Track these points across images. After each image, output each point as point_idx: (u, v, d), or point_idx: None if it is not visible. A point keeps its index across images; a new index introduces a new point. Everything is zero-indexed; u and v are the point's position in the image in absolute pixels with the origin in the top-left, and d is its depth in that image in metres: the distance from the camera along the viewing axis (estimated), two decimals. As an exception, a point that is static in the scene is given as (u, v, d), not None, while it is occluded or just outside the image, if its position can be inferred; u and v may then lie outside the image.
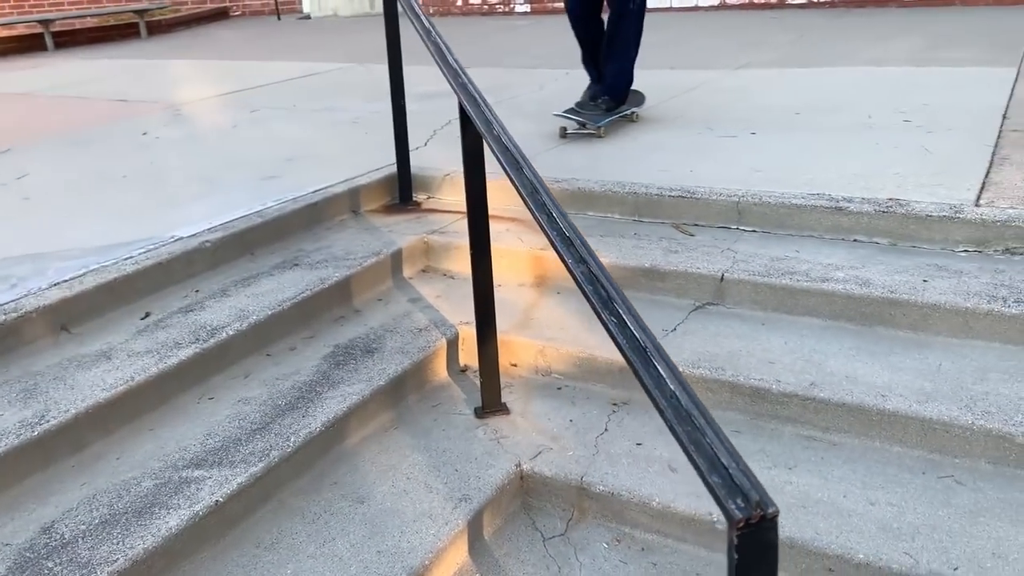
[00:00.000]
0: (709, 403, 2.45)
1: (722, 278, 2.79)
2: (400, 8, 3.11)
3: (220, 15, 13.51)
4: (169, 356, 2.43)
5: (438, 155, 4.02)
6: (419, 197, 3.74)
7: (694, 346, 2.59)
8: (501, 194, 3.45)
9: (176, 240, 3.02)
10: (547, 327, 2.79)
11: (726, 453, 1.14)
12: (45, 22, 10.13)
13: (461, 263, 3.24)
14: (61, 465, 2.16)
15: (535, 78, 6.08)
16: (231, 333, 2.57)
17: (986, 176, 3.20)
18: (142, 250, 2.93)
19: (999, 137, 3.75)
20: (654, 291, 2.90)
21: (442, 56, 2.44)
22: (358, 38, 9.49)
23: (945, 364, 2.40)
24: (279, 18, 12.74)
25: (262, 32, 11.02)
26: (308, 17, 12.53)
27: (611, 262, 2.95)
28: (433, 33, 2.61)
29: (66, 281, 2.68)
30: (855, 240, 2.96)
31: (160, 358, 2.42)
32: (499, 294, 2.87)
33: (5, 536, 1.92)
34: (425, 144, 4.23)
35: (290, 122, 5.13)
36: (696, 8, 10.08)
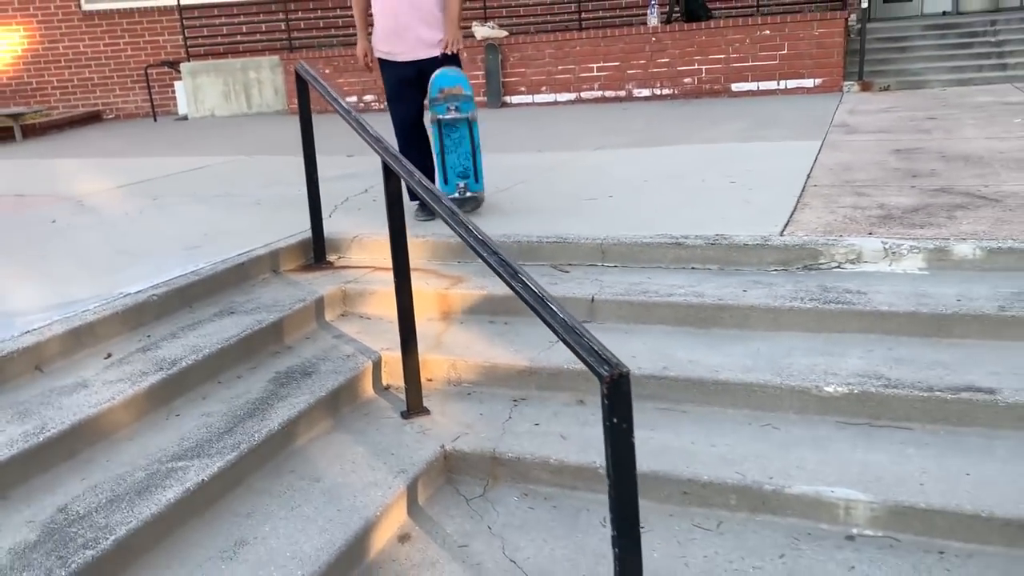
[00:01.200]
0: (588, 388, 3.10)
1: (592, 299, 3.47)
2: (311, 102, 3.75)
3: (93, 118, 13.75)
4: (139, 381, 2.88)
5: (343, 223, 4.60)
6: (331, 258, 4.30)
7: (574, 351, 3.23)
8: (411, 251, 4.07)
9: (125, 295, 3.47)
10: (455, 347, 3.39)
11: (596, 342, 1.77)
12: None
13: (374, 306, 3.81)
14: (59, 468, 2.56)
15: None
16: (189, 363, 3.04)
17: (790, 217, 4.06)
18: (96, 304, 3.36)
19: (803, 191, 4.68)
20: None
21: (363, 128, 3.08)
22: (239, 133, 10.02)
23: (762, 348, 3.14)
24: (155, 119, 13.11)
25: (140, 132, 11.37)
26: (185, 118, 12.95)
27: (501, 292, 3.59)
28: (353, 112, 3.25)
29: (36, 329, 3.09)
30: (692, 267, 3.73)
31: (132, 383, 2.87)
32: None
33: (28, 516, 2.32)
34: (330, 216, 4.81)
35: (195, 206, 5.60)
36: (556, 103, 11.17)
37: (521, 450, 2.78)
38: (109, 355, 3.15)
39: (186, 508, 2.43)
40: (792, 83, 10.42)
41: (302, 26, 13.02)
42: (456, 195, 4.48)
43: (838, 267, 3.55)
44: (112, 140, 10.67)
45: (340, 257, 4.31)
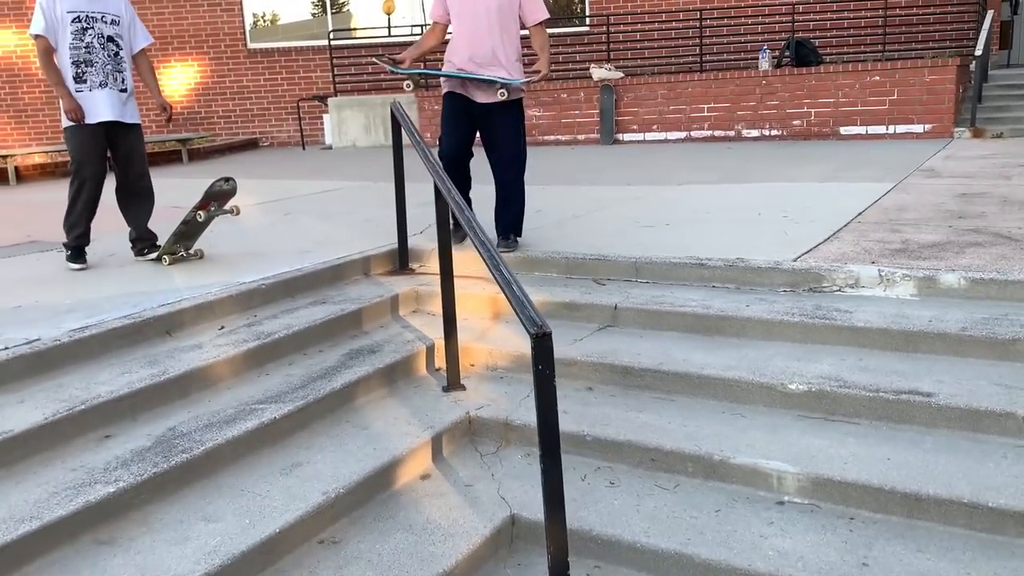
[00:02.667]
0: (597, 379, 3.69)
1: (615, 307, 4.07)
2: (405, 137, 4.53)
3: (250, 145, 15.34)
4: (240, 346, 3.70)
5: (427, 241, 5.37)
6: (413, 265, 5.07)
7: (592, 347, 3.84)
8: (469, 264, 4.79)
9: (241, 284, 4.34)
10: (496, 339, 4.05)
11: (530, 310, 2.40)
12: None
13: (440, 306, 4.53)
14: (175, 403, 3.39)
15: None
16: (281, 336, 3.85)
17: (814, 247, 4.52)
18: (218, 288, 4.24)
19: (844, 226, 5.09)
20: (573, 318, 4.18)
21: (429, 162, 3.82)
22: (372, 163, 11.10)
23: (751, 353, 3.64)
24: (304, 148, 14.51)
25: (288, 159, 12.69)
26: (330, 147, 14.27)
27: (544, 299, 4.24)
28: (428, 150, 4.00)
29: (169, 303, 3.98)
30: (713, 286, 4.26)
31: (235, 347, 3.69)
32: (467, 323, 4.17)
33: (148, 431, 3.15)
34: (421, 232, 5.59)
35: (317, 221, 6.53)
36: (665, 141, 11.72)
37: (527, 419, 3.41)
38: (223, 327, 4.00)
39: (263, 437, 3.20)
40: (901, 128, 10.58)
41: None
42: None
43: (838, 290, 4.00)
44: (263, 165, 12.01)
45: (421, 265, 5.07)
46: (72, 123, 4.94)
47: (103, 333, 3.64)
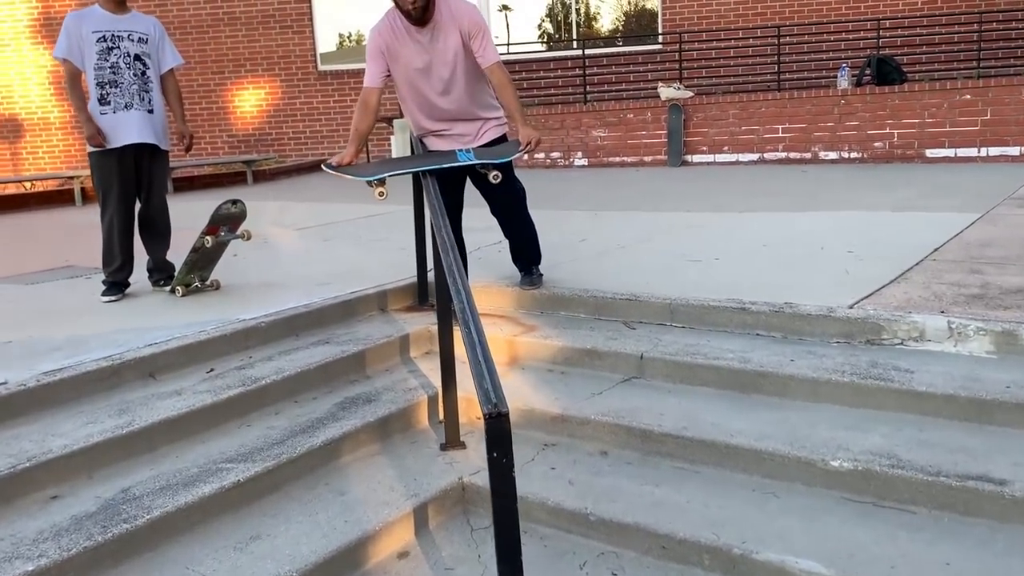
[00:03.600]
0: (613, 442, 3.24)
1: (641, 356, 3.60)
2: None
3: (319, 167, 15.32)
4: (221, 393, 3.38)
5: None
6: (433, 300, 4.69)
7: (610, 403, 3.39)
8: (492, 298, 4.38)
9: (239, 320, 4.03)
10: (505, 391, 3.62)
11: (490, 381, 1.99)
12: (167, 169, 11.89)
13: (459, 346, 4.14)
14: (140, 457, 3.08)
15: (567, 218, 7.11)
16: (268, 382, 3.52)
17: (877, 290, 3.96)
18: (213, 326, 3.94)
19: (916, 264, 4.51)
20: (594, 367, 3.74)
21: (434, 213, 3.45)
22: (430, 185, 10.82)
23: (792, 417, 3.14)
24: (369, 169, 14.37)
25: (350, 182, 12.52)
26: (394, 168, 14.09)
27: (565, 344, 3.81)
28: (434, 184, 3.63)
29: (155, 343, 3.70)
30: (757, 334, 3.75)
31: (215, 395, 3.37)
32: (473, 366, 3.74)
33: (98, 493, 2.84)
34: (447, 262, 5.22)
35: (351, 248, 6.24)
36: (737, 163, 11.13)
37: (527, 490, 2.98)
38: (211, 370, 3.70)
39: (223, 502, 2.85)
40: (994, 151, 9.77)
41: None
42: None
43: (900, 344, 3.45)
44: (323, 187, 11.88)
45: (443, 301, 4.69)
46: (95, 149, 4.75)
47: (76, 377, 3.37)
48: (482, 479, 3.10)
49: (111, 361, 3.49)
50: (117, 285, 4.90)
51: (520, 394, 3.57)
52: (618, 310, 4.11)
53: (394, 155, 14.26)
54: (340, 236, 6.91)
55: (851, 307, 3.66)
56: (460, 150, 3.99)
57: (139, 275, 5.14)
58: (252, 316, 4.11)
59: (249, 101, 15.67)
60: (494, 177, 3.88)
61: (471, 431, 3.51)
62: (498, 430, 1.91)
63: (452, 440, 3.37)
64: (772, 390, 3.32)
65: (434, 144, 4.24)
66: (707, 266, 4.79)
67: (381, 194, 3.85)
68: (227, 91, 15.83)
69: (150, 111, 4.86)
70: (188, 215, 8.66)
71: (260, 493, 2.98)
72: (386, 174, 3.88)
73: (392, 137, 14.45)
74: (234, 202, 4.61)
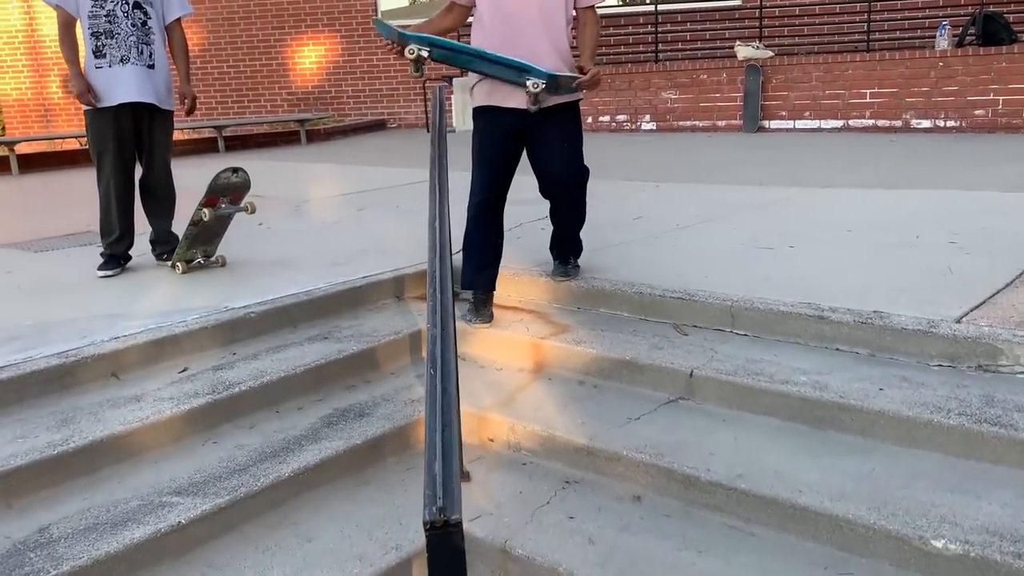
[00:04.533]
0: (649, 485, 2.60)
1: (691, 374, 2.94)
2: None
3: (378, 126, 14.79)
4: (184, 403, 2.85)
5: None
6: (457, 288, 4.08)
7: (649, 434, 2.75)
8: (523, 288, 3.76)
9: (229, 309, 3.50)
10: (524, 407, 3.02)
11: (444, 475, 1.37)
12: (218, 128, 11.49)
13: (477, 346, 3.54)
14: (76, 482, 2.57)
15: (625, 189, 6.40)
16: (244, 389, 2.97)
17: (991, 296, 3.20)
18: (195, 316, 3.41)
19: (1037, 261, 3.71)
20: (633, 383, 3.09)
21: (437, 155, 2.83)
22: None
23: (878, 468, 2.45)
24: (428, 131, 13.80)
25: (408, 142, 11.99)
26: (453, 131, 13.49)
27: (599, 352, 3.17)
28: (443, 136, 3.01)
29: (122, 336, 3.19)
30: (837, 349, 3.04)
31: (177, 404, 2.84)
32: (498, 376, 3.18)
33: (7, 532, 2.33)
34: (479, 242, 4.60)
35: (385, 221, 5.65)
36: (819, 130, 10.18)
37: (536, 549, 2.38)
38: (185, 369, 3.17)
39: (156, 550, 2.32)
40: (1119, 120, 8.64)
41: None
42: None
43: (1024, 373, 2.71)
44: (377, 149, 11.35)
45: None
46: (88, 107, 4.25)
47: (20, 378, 2.87)
48: (484, 527, 2.51)
49: (65, 358, 2.98)
50: (115, 258, 4.42)
51: (541, 414, 2.95)
52: (668, 310, 3.44)
53: (454, 118, 13.64)
54: (377, 204, 6.34)
55: (958, 321, 2.92)
56: (529, 63, 3.28)
57: (147, 247, 4.65)
58: (243, 304, 3.57)
59: (309, 57, 15.18)
60: (533, 84, 3.20)
61: (481, 456, 2.92)
62: (445, 547, 1.30)
63: (453, 471, 2.78)
64: (854, 428, 2.63)
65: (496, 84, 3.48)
66: (779, 256, 4.06)
67: (417, 62, 3.39)
68: (287, 47, 15.38)
69: (150, 66, 4.32)
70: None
71: (209, 535, 2.44)
72: (437, 42, 3.38)
73: (452, 97, 13.81)
74: (235, 170, 4.07)
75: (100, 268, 4.37)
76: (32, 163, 10.10)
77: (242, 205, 4.20)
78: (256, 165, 9.57)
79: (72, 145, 11.17)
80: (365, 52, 15.05)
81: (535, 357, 3.35)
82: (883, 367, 2.87)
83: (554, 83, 3.27)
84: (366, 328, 3.57)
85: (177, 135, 12.02)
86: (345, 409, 3.06)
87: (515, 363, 3.37)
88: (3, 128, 15.68)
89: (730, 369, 2.92)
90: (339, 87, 15.32)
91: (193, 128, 12.19)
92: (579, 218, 3.75)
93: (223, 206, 4.13)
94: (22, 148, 10.51)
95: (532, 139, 3.49)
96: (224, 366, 3.18)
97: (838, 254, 4.02)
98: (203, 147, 11.50)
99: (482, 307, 3.62)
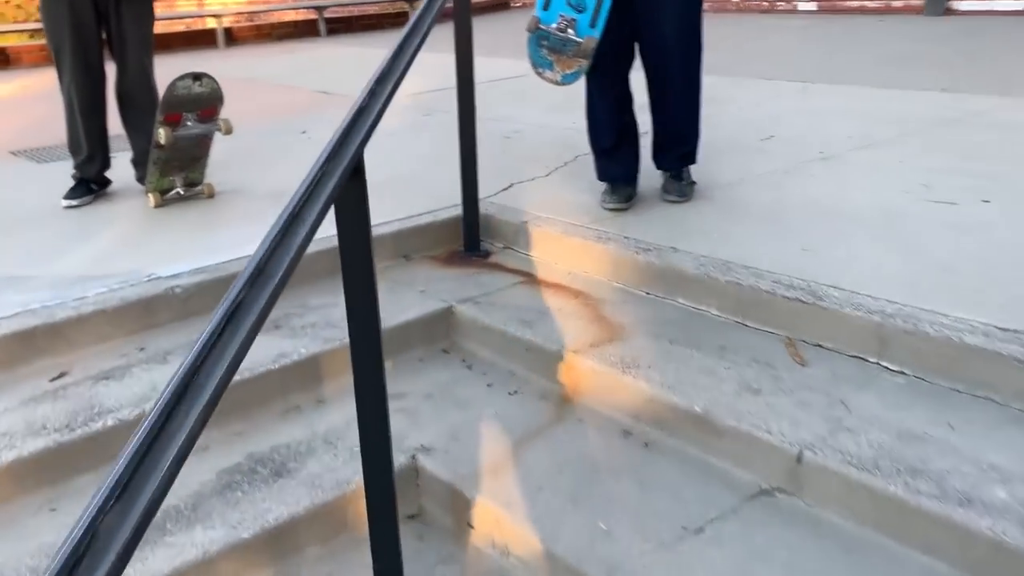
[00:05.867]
0: None
1: (800, 457, 1.73)
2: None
3: (500, 6, 13.41)
4: (14, 446, 1.91)
5: (529, 194, 3.20)
6: (493, 246, 2.96)
7: (716, 567, 1.59)
8: (570, 254, 2.62)
9: (149, 280, 2.52)
10: (526, 483, 1.91)
11: None
12: (319, 9, 10.47)
13: (493, 343, 2.44)
14: None
15: (761, 92, 4.98)
16: (114, 423, 2.00)
17: None
18: (97, 292, 2.46)
19: None
20: (706, 448, 1.91)
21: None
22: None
23: None
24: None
25: (520, 28, 10.61)
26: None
27: (654, 392, 1.99)
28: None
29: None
30: (1069, 423, 1.75)
31: (10, 445, 1.91)
32: (505, 406, 2.07)
33: None
34: (532, 179, 3.43)
35: (439, 138, 4.53)
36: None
37: None
38: (61, 375, 2.24)
39: None
40: None
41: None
42: (554, 26, 2.84)
43: None
44: (490, 34, 10.04)
45: (505, 247, 2.95)
46: None
47: None
48: None
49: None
50: (85, 183, 3.55)
51: (546, 505, 1.83)
52: (779, 316, 2.20)
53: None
54: (447, 109, 5.18)
55: None
56: None
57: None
58: (172, 272, 2.58)
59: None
60: None
61: (452, 554, 1.85)
62: None
63: (388, 595, 1.73)
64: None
65: None
66: (966, 220, 2.69)
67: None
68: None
69: None
70: (312, 65, 7.23)
71: None
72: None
73: None
74: (196, 76, 3.03)
75: (66, 196, 3.50)
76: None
77: (216, 123, 3.18)
78: (351, 52, 8.58)
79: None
80: (486, -79, 13.56)
81: (567, 381, 2.21)
82: None
83: None
84: (336, 314, 2.52)
85: (272, 16, 11.14)
86: (260, 458, 2.05)
87: (536, 385, 2.25)
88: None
89: (867, 455, 1.69)
90: (460, -38, 13.95)
91: (292, 9, 11.24)
92: (693, 100, 2.94)
93: (188, 123, 3.12)
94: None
95: (643, 8, 2.79)
96: (114, 373, 2.23)
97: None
98: (303, 30, 10.55)
99: (621, 187, 2.97)
